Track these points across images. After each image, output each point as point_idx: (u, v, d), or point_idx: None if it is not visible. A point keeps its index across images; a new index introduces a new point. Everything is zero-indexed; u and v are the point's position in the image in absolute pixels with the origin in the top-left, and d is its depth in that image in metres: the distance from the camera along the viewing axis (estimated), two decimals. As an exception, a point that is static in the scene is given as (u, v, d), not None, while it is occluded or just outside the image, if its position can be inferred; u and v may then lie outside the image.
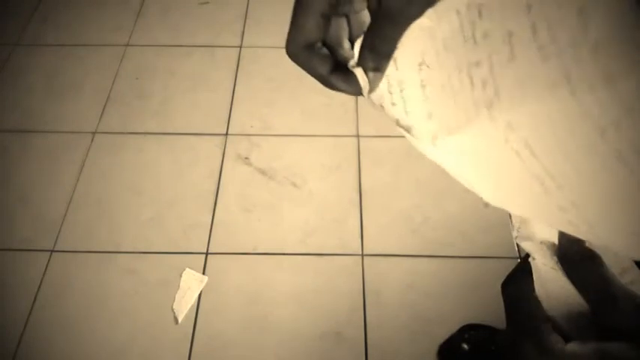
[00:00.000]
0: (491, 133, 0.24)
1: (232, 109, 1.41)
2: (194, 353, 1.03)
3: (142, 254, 1.16)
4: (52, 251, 1.16)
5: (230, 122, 1.38)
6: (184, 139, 1.35)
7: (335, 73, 0.27)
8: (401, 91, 0.27)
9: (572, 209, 0.23)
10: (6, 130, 1.37)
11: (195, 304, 1.09)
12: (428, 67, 0.26)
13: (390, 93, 0.27)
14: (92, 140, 1.35)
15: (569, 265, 0.28)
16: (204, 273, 1.13)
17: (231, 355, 1.03)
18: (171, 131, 1.37)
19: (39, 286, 1.11)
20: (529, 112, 0.22)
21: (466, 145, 0.25)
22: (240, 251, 1.16)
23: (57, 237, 1.18)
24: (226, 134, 1.36)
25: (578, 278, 0.27)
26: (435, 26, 0.25)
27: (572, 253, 0.28)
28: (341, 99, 1.40)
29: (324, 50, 0.27)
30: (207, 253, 1.15)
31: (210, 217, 1.21)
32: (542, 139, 0.22)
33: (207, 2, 1.67)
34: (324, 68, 0.27)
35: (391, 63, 0.27)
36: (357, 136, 1.34)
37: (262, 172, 1.28)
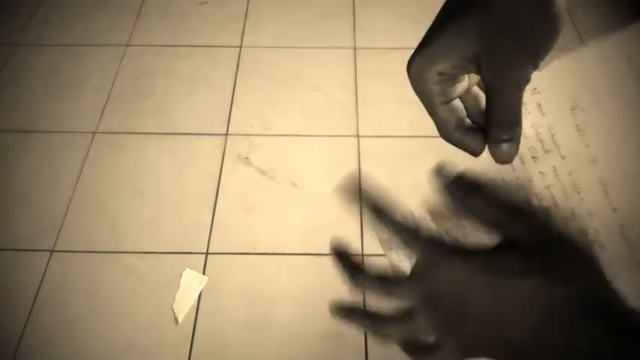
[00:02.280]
0: None
1: (232, 109, 1.41)
2: (194, 353, 1.03)
3: (142, 254, 1.16)
4: (52, 251, 1.16)
5: (230, 122, 1.38)
6: (184, 139, 1.35)
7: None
8: (552, 136, 0.26)
9: None
10: (6, 130, 1.37)
11: (195, 304, 1.09)
12: (583, 110, 0.25)
13: (540, 141, 0.26)
14: (92, 140, 1.35)
15: (456, 201, 0.30)
16: (204, 273, 1.13)
17: (231, 355, 1.03)
18: (171, 131, 1.37)
19: (39, 286, 1.11)
20: None
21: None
22: (240, 251, 1.16)
23: (57, 237, 1.18)
24: (226, 134, 1.36)
25: (470, 208, 0.28)
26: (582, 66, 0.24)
27: (455, 190, 0.30)
28: (341, 99, 1.40)
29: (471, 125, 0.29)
30: (207, 253, 1.15)
31: (210, 217, 1.21)
32: None
33: (207, 2, 1.67)
34: (476, 144, 0.29)
35: (534, 109, 0.26)
36: (357, 136, 1.34)
37: (262, 172, 1.28)
